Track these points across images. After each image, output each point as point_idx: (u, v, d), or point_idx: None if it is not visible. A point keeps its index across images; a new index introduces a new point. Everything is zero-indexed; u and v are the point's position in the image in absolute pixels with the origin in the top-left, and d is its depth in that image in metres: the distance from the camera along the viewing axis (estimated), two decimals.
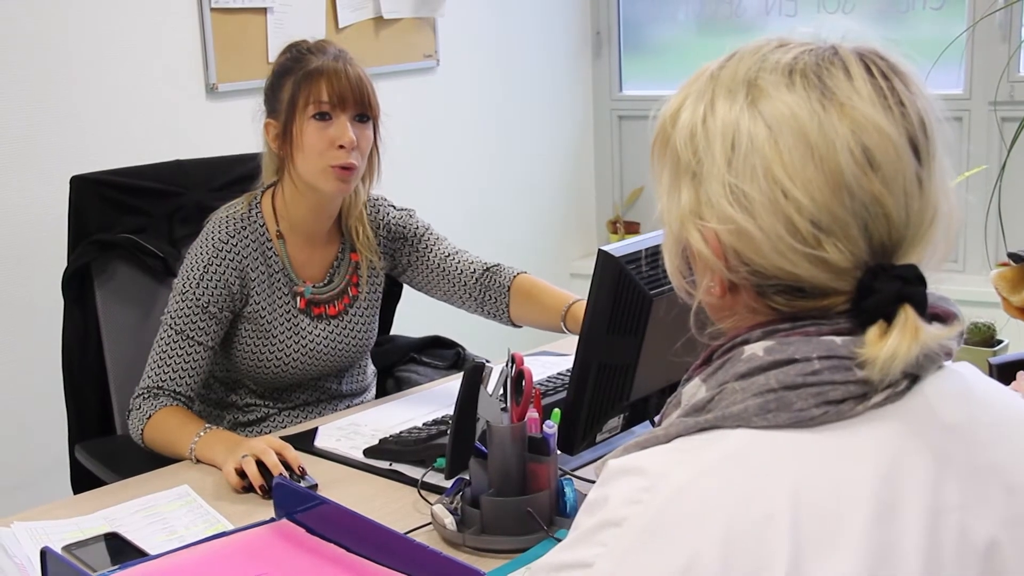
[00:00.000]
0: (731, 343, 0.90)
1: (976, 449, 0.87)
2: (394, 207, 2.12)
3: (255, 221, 1.96)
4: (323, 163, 1.87)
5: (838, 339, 0.85)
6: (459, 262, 2.10)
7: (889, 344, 0.82)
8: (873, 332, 0.83)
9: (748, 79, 0.87)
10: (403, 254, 2.10)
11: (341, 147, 1.86)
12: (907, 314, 0.83)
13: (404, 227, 2.10)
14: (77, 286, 2.09)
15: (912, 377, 0.86)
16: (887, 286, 0.83)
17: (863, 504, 0.81)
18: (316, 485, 1.64)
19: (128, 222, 2.13)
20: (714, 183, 0.87)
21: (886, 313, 0.83)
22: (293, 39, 1.98)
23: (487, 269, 2.10)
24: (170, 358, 1.89)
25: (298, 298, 1.99)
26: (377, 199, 2.10)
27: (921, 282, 0.84)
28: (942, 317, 0.89)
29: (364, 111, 1.90)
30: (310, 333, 2.00)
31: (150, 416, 1.86)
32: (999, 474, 0.87)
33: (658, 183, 0.94)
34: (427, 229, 2.12)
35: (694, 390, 0.90)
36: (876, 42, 0.89)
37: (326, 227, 2.01)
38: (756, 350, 0.86)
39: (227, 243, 1.92)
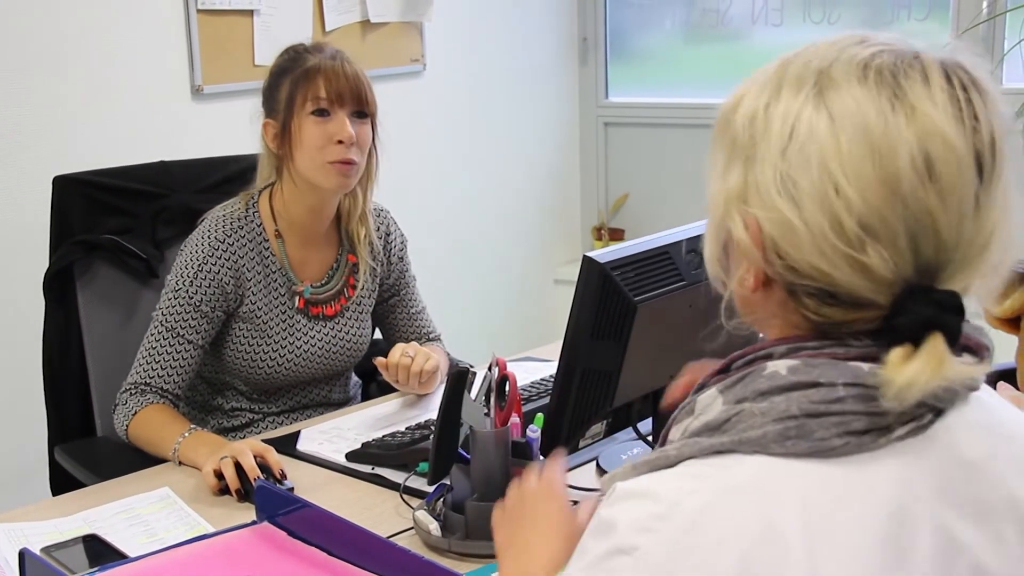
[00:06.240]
0: (754, 355, 0.86)
1: (994, 485, 0.85)
2: (399, 227, 2.15)
3: (252, 220, 1.96)
4: (322, 159, 1.88)
5: (865, 366, 0.82)
6: (417, 323, 2.17)
7: (910, 371, 0.79)
8: (897, 354, 0.80)
9: (820, 69, 0.84)
10: (384, 285, 2.13)
11: (340, 143, 1.87)
12: (936, 343, 0.79)
13: (401, 259, 2.14)
14: (59, 287, 2.08)
15: (937, 410, 0.84)
16: (921, 309, 0.80)
17: (877, 540, 0.79)
18: (292, 488, 1.64)
19: (111, 223, 2.12)
20: (766, 168, 0.83)
21: (914, 336, 0.80)
22: (279, 41, 1.99)
23: (428, 342, 2.15)
24: (159, 355, 1.89)
25: (296, 298, 1.99)
26: (385, 210, 2.13)
27: (959, 311, 0.81)
28: (973, 349, 0.86)
29: (362, 107, 1.91)
30: (306, 333, 2.00)
31: (136, 412, 1.86)
32: (1016, 510, 0.85)
33: (712, 167, 0.90)
34: (412, 280, 2.17)
35: (710, 400, 0.87)
36: (964, 55, 0.85)
37: (324, 227, 2.02)
38: (779, 368, 0.83)
39: (223, 242, 1.92)
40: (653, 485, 0.83)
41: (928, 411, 0.83)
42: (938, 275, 0.82)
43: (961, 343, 0.83)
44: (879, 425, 0.81)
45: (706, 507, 0.80)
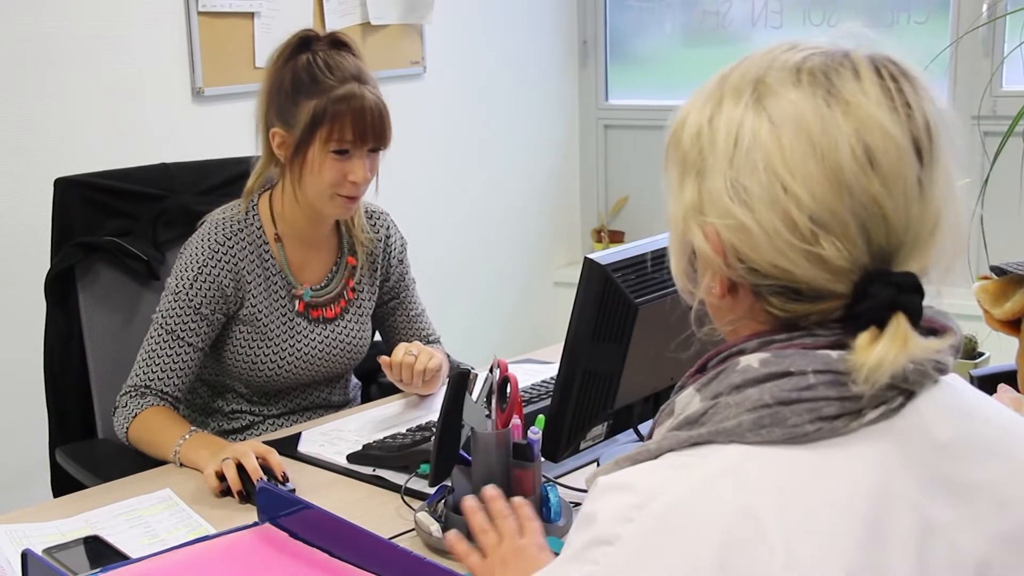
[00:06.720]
0: (727, 352, 0.89)
1: (968, 465, 0.87)
2: (398, 230, 2.14)
3: (252, 223, 1.96)
4: (332, 191, 1.89)
5: (834, 353, 0.84)
6: (417, 325, 2.17)
7: (877, 351, 0.81)
8: (863, 338, 0.82)
9: (756, 78, 0.87)
10: (384, 287, 2.13)
11: (354, 182, 1.88)
12: (899, 322, 0.82)
13: (401, 262, 2.14)
14: (60, 289, 2.08)
15: (907, 393, 0.86)
16: (881, 291, 0.83)
17: (853, 523, 0.81)
18: (294, 490, 1.64)
19: (112, 225, 2.12)
20: (716, 178, 0.86)
21: (878, 320, 0.82)
22: (280, 43, 1.97)
23: (428, 344, 2.15)
24: (159, 357, 1.89)
25: (296, 301, 2.00)
26: (384, 213, 2.13)
27: (918, 291, 0.84)
28: (937, 331, 0.88)
29: (380, 146, 1.90)
30: (307, 336, 2.00)
31: (136, 415, 1.86)
32: (991, 490, 0.87)
33: (668, 184, 0.94)
34: (412, 283, 2.17)
35: (688, 399, 0.89)
36: (890, 49, 0.88)
37: (324, 232, 2.02)
38: (751, 361, 0.86)
39: (223, 245, 1.92)
40: (632, 477, 0.85)
41: (898, 394, 0.85)
42: (893, 259, 0.85)
43: (927, 327, 0.86)
44: (850, 409, 0.83)
45: (684, 496, 0.82)
